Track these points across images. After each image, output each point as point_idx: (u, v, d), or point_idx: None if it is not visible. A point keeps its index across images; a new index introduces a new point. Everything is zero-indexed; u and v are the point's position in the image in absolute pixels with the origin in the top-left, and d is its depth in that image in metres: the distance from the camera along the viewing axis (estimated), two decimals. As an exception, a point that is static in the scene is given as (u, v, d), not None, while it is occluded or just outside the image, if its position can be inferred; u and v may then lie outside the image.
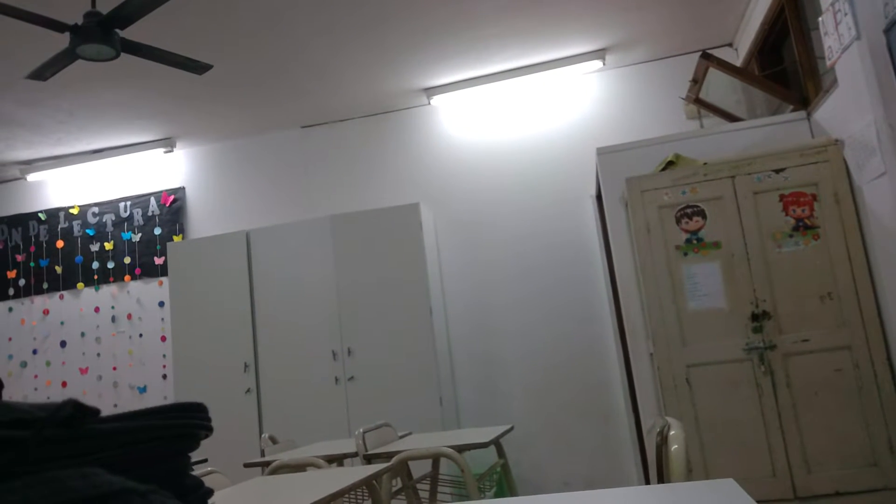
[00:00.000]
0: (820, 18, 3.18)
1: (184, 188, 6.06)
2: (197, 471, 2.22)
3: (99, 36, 3.28)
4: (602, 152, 4.06)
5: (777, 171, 3.44)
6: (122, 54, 3.92)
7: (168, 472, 0.46)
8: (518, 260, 5.33)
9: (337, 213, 5.62)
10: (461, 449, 2.73)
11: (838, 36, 3.01)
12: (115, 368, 5.90)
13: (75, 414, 0.41)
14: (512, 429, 3.26)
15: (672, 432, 1.19)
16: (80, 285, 6.08)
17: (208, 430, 0.52)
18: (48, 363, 6.02)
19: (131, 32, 3.92)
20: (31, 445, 0.37)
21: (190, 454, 0.51)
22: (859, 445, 3.16)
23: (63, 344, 6.02)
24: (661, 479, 1.22)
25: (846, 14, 2.88)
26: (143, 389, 5.83)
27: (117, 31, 3.34)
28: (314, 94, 5.30)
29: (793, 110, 3.97)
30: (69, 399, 0.41)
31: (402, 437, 3.49)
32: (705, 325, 3.40)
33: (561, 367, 5.13)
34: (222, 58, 4.55)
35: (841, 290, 3.29)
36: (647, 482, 4.67)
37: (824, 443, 3.20)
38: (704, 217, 3.49)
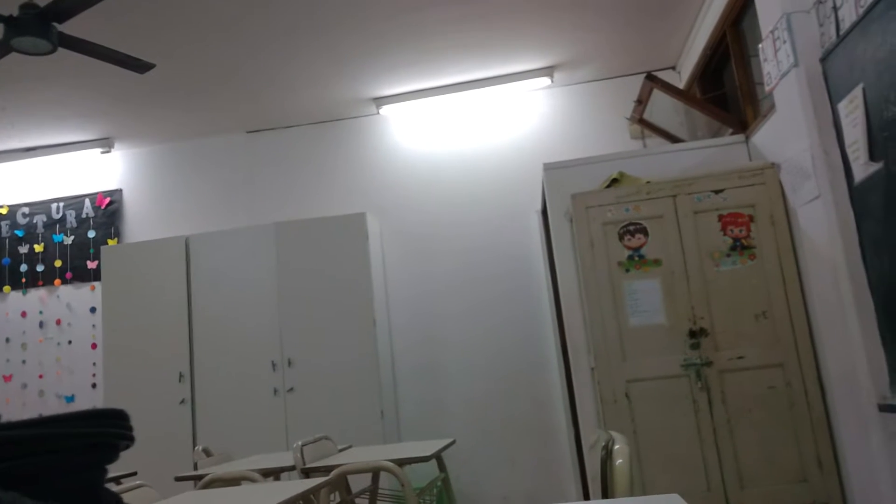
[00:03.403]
0: (760, 45, 3.28)
1: (121, 190, 5.87)
2: (124, 483, 2.12)
3: (35, 29, 3.16)
4: (548, 168, 4.10)
5: (716, 192, 3.53)
6: (60, 49, 3.78)
7: (81, 485, 0.41)
8: (463, 272, 5.33)
9: (281, 220, 5.52)
10: (402, 463, 2.69)
11: (777, 62, 3.11)
12: (41, 376, 5.65)
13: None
14: (453, 443, 3.24)
15: (616, 446, 1.19)
16: (6, 288, 5.81)
17: (129, 439, 0.48)
18: (-32, 370, 5.72)
19: (70, 27, 3.78)
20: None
21: (107, 466, 0.46)
22: (790, 461, 3.25)
23: (-15, 350, 5.74)
24: (605, 493, 1.22)
25: (785, 41, 2.98)
26: (70, 398, 5.58)
27: (55, 24, 3.22)
28: (261, 99, 5.21)
29: (732, 133, 4.09)
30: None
31: (341, 450, 3.42)
32: (645, 341, 3.45)
33: (503, 380, 5.13)
34: (166, 57, 4.43)
35: (775, 308, 3.38)
36: (587, 497, 4.70)
37: (757, 458, 3.27)
38: (647, 234, 3.55)
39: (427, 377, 5.22)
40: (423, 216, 5.46)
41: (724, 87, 4.68)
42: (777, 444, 3.26)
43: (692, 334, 3.41)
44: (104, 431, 0.43)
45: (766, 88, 3.31)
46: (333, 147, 5.68)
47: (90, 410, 0.44)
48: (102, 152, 5.77)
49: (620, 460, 1.14)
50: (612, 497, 1.15)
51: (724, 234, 3.50)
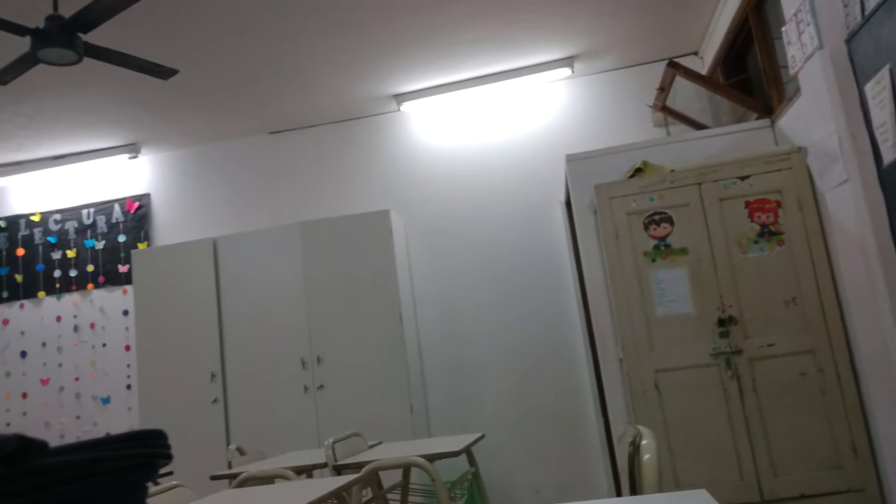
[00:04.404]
0: (783, 28, 3.24)
1: (149, 195, 5.96)
2: (161, 484, 2.17)
3: (61, 40, 3.21)
4: (571, 159, 4.09)
5: (742, 178, 3.49)
6: (86, 59, 3.84)
7: (125, 505, 0.43)
8: (488, 266, 5.34)
9: (306, 220, 5.57)
10: (432, 458, 2.71)
11: (801, 45, 3.07)
12: (77, 379, 5.77)
13: (20, 449, 0.38)
14: (483, 437, 3.25)
15: (644, 441, 1.19)
16: (41, 294, 5.94)
17: (167, 458, 0.50)
18: (8, 374, 5.86)
19: (94, 36, 3.85)
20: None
21: (148, 484, 0.48)
22: (824, 448, 3.21)
23: (23, 354, 5.87)
24: (633, 488, 1.22)
25: (809, 24, 2.94)
26: (106, 400, 5.70)
27: (80, 34, 3.28)
28: (283, 100, 5.25)
29: (757, 118, 4.03)
30: (14, 434, 0.38)
31: (372, 446, 3.46)
32: (673, 331, 3.43)
33: (531, 373, 5.13)
34: (189, 63, 4.49)
35: (805, 295, 3.34)
36: (618, 489, 4.70)
37: (790, 446, 3.24)
38: (672, 223, 3.53)
39: (455, 371, 5.25)
40: (447, 211, 5.47)
41: (748, 72, 4.61)
42: (810, 432, 3.23)
43: (721, 322, 3.39)
44: (146, 452, 0.45)
45: (791, 72, 3.26)
46: (355, 145, 5.71)
47: (132, 433, 0.46)
48: (130, 158, 5.86)
49: (648, 455, 1.14)
50: (641, 492, 1.15)
51: (752, 221, 3.46)
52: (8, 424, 5.78)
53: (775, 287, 3.38)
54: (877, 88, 2.57)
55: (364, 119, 5.73)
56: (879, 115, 2.58)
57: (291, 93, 5.14)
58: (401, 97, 5.40)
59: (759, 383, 3.31)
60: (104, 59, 3.49)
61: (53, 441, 5.65)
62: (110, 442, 0.44)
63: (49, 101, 4.79)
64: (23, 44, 3.95)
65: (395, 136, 5.65)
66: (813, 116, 3.16)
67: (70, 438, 5.68)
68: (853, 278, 3.06)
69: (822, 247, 3.36)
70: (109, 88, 4.71)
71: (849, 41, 2.76)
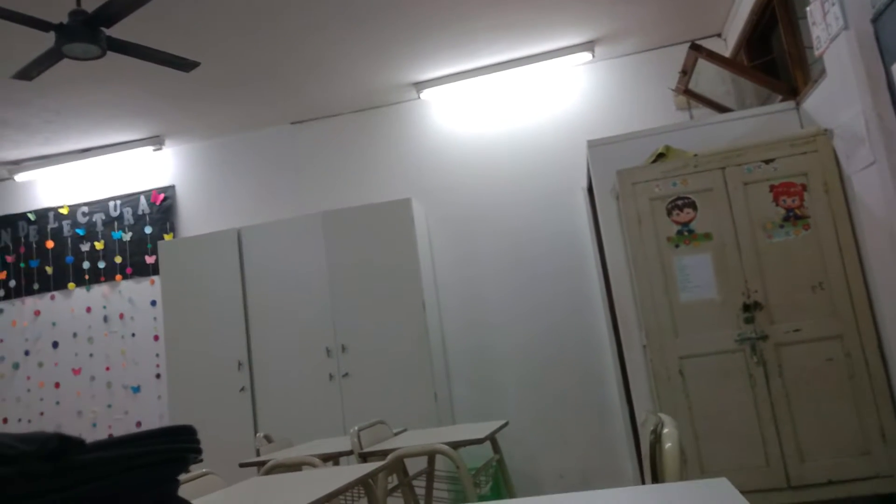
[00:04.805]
0: (808, 8, 3.18)
1: (174, 186, 6.03)
2: (191, 472, 2.22)
3: (85, 34, 3.26)
4: (593, 145, 4.06)
5: (767, 162, 3.45)
6: (109, 53, 3.89)
7: (158, 500, 0.45)
8: (510, 253, 5.33)
9: (328, 209, 5.60)
10: (456, 445, 2.73)
11: (826, 26, 3.01)
12: (108, 369, 5.88)
13: (61, 447, 0.40)
14: (507, 424, 3.27)
15: (665, 430, 1.19)
16: (70, 285, 6.05)
17: (197, 451, 0.51)
18: (41, 364, 5.99)
19: (117, 30, 3.89)
20: (16, 482, 0.36)
21: (179, 477, 0.50)
22: (851, 434, 3.18)
23: (55, 345, 6.00)
24: (655, 477, 1.23)
25: (834, 3, 2.88)
26: (136, 389, 5.81)
27: (103, 29, 3.32)
28: (304, 90, 5.27)
29: (782, 100, 3.98)
30: (54, 432, 0.40)
31: (397, 433, 3.49)
32: (697, 317, 3.41)
33: (555, 359, 5.14)
34: (210, 55, 4.52)
35: (831, 279, 3.30)
36: (643, 476, 4.69)
37: (817, 432, 3.22)
38: (695, 208, 3.50)
39: (478, 358, 5.26)
40: (468, 198, 5.47)
41: (773, 53, 4.54)
42: (837, 417, 3.20)
43: (746, 308, 3.36)
44: (178, 447, 0.47)
45: (816, 53, 3.21)
46: (376, 134, 5.72)
47: (163, 429, 0.48)
48: (154, 150, 5.93)
49: (669, 444, 1.15)
50: (662, 481, 1.16)
51: (777, 205, 3.42)
52: (42, 414, 5.92)
53: (801, 272, 3.34)
54: (905, 69, 2.52)
55: (384, 108, 5.74)
56: (907, 96, 2.53)
57: (312, 83, 5.16)
58: (421, 85, 5.40)
59: (786, 369, 3.28)
60: (127, 52, 3.53)
61: (86, 429, 5.77)
62: (143, 438, 0.46)
63: (74, 96, 4.86)
64: (47, 39, 4.01)
65: (415, 125, 5.65)
66: (839, 98, 3.11)
67: (102, 427, 5.80)
68: (881, 261, 3.01)
69: (849, 230, 3.32)
70: (133, 82, 4.76)
71: (875, 21, 2.71)
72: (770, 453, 3.24)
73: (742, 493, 1.03)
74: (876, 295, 3.18)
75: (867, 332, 3.23)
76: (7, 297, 6.13)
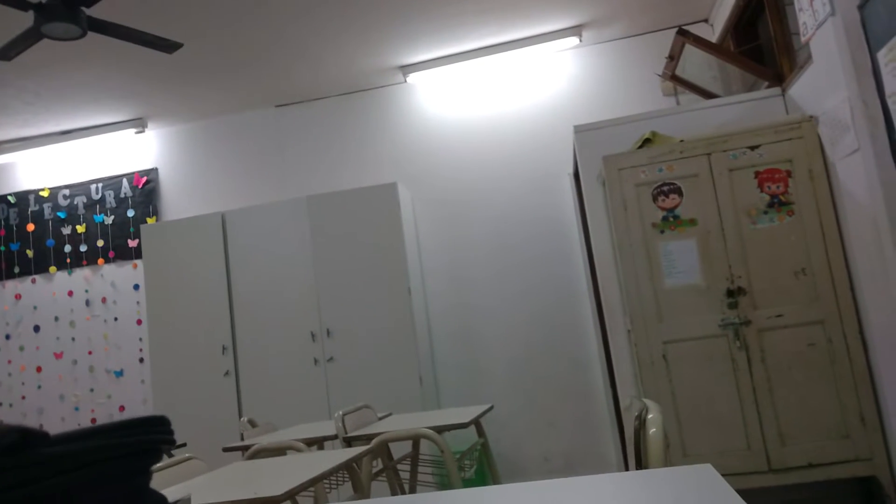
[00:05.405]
0: (795, -6, 3.18)
1: (156, 169, 5.97)
2: (174, 456, 2.20)
3: (64, 14, 3.20)
4: (579, 130, 4.05)
5: (752, 148, 3.46)
6: (90, 33, 3.82)
7: (130, 491, 0.44)
8: (496, 238, 5.33)
9: (313, 193, 5.57)
10: (441, 430, 2.73)
11: (813, 12, 3.01)
12: (90, 353, 5.83)
13: (21, 440, 0.38)
14: (492, 408, 3.28)
15: (650, 416, 1.20)
16: (52, 269, 5.99)
17: (171, 443, 0.50)
18: (22, 348, 5.93)
19: (98, 10, 3.82)
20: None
21: (151, 469, 0.49)
22: (832, 418, 3.22)
23: (37, 329, 5.94)
24: (639, 462, 1.23)
25: (821, -10, 2.88)
26: (119, 373, 5.77)
27: (83, 9, 3.26)
28: (289, 73, 5.22)
29: (768, 87, 3.98)
30: (15, 425, 0.39)
31: (381, 418, 3.49)
32: (681, 302, 3.43)
33: (540, 344, 5.15)
34: (193, 36, 4.46)
35: (815, 265, 3.32)
36: (626, 458, 4.73)
37: (798, 416, 3.25)
38: (681, 194, 3.50)
39: (464, 342, 5.27)
40: (454, 183, 5.45)
41: (759, 39, 4.54)
42: (818, 401, 3.24)
43: (730, 293, 3.38)
44: (150, 438, 0.46)
45: (803, 39, 3.21)
46: (362, 117, 5.68)
47: (135, 419, 0.46)
48: (136, 132, 5.86)
49: (653, 430, 1.15)
50: (646, 467, 1.16)
51: (761, 191, 3.43)
52: (23, 398, 5.87)
53: (785, 258, 3.36)
54: (890, 55, 2.52)
55: (370, 91, 5.69)
56: (892, 83, 2.54)
57: (297, 65, 5.10)
58: (407, 68, 5.36)
59: (768, 354, 3.31)
60: (108, 33, 3.47)
61: (69, 413, 5.74)
62: (112, 429, 0.45)
63: (55, 77, 4.78)
64: (26, 19, 3.93)
65: (401, 109, 5.61)
66: (824, 84, 3.11)
67: (84, 411, 5.76)
68: (863, 248, 3.04)
69: (833, 217, 3.34)
70: (115, 63, 4.69)
71: (861, 7, 2.71)
72: (751, 436, 3.28)
73: (723, 475, 1.04)
74: (858, 281, 3.20)
75: (849, 317, 3.26)
76: (-13, 280, 6.06)
